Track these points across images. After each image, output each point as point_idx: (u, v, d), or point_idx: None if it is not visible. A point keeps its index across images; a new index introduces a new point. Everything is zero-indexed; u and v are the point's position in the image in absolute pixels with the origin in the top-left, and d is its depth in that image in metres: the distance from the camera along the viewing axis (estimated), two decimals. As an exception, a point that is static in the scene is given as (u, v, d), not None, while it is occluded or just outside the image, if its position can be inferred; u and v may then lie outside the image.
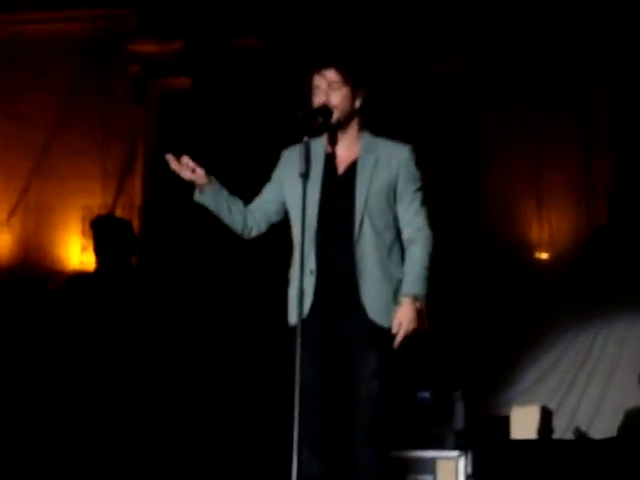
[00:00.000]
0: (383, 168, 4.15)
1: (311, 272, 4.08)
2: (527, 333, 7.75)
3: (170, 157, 4.14)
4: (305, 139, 4.08)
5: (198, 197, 4.19)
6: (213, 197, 4.19)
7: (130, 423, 6.62)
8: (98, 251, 6.83)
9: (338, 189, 4.15)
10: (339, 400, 4.13)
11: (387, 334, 4.04)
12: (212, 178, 4.18)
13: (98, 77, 8.46)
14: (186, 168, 4.13)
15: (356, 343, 4.08)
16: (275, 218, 4.30)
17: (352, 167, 4.17)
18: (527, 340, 7.76)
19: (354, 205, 4.10)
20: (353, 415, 4.08)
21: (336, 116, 4.16)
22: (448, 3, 8.05)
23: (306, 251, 4.04)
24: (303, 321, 3.94)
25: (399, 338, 4.02)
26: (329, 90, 4.15)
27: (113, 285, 6.80)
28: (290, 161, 4.21)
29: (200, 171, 4.14)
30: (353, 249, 4.08)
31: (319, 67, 4.18)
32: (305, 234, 4.03)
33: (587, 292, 7.67)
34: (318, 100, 4.16)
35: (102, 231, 6.83)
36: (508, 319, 7.74)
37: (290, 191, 4.19)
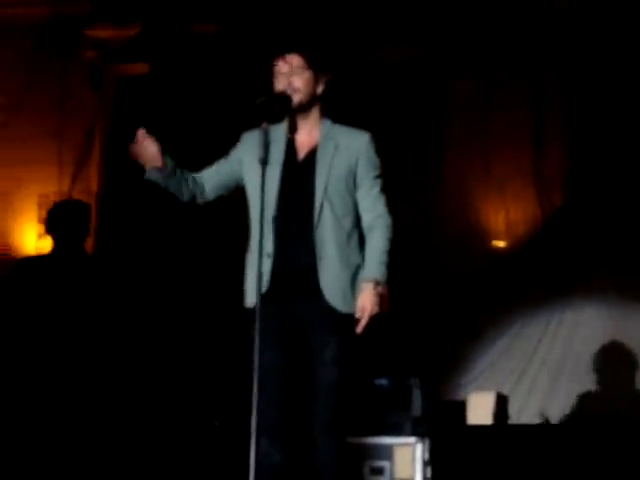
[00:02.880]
0: (343, 155, 4.16)
1: (268, 256, 4.09)
2: (481, 320, 7.80)
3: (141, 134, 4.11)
4: (264, 125, 4.09)
5: (151, 174, 4.18)
6: (167, 177, 4.17)
7: (86, 410, 6.58)
8: (53, 233, 6.75)
9: (298, 175, 4.16)
10: (297, 386, 4.14)
11: (345, 319, 4.06)
12: (166, 157, 4.15)
13: (53, 62, 8.38)
14: (145, 150, 4.09)
15: (314, 329, 4.09)
16: (224, 192, 4.32)
17: (312, 153, 4.18)
18: (481, 327, 7.81)
19: (314, 191, 4.11)
20: (311, 402, 4.09)
21: (298, 99, 4.17)
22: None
23: (265, 235, 4.05)
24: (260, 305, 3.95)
25: (363, 323, 4.03)
26: (292, 74, 4.15)
27: (68, 267, 6.73)
28: (250, 145, 4.21)
29: (157, 154, 4.11)
30: (312, 234, 4.09)
31: (282, 52, 4.19)
32: (264, 219, 4.04)
33: (539, 279, 7.73)
34: (280, 84, 4.17)
35: (58, 217, 6.75)
36: (464, 306, 7.79)
37: (249, 175, 4.19)
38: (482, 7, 7.95)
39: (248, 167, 4.20)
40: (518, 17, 7.93)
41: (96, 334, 6.55)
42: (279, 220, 4.10)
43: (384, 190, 4.22)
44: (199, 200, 4.31)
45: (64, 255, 6.58)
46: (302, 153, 4.20)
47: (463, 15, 7.96)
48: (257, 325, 3.89)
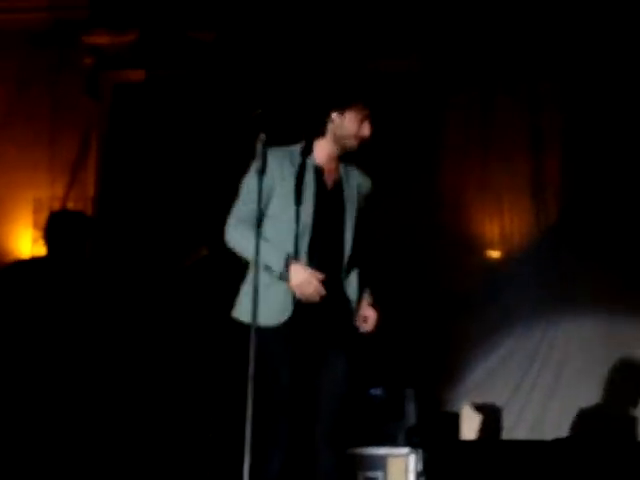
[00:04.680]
0: (359, 193, 4.37)
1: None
2: (476, 331, 7.78)
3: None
4: (261, 136, 4.11)
5: None
6: None
7: (79, 416, 6.56)
8: (50, 242, 6.75)
9: (329, 205, 4.29)
10: (302, 397, 4.15)
11: (351, 334, 4.16)
12: None
13: (49, 68, 8.37)
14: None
15: (329, 345, 4.18)
16: None
17: (338, 185, 4.32)
18: (476, 337, 7.79)
19: (344, 221, 4.28)
20: (314, 412, 4.09)
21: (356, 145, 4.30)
22: (404, 6, 8.07)
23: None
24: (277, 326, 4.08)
25: (369, 327, 4.16)
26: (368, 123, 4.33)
27: (62, 272, 6.72)
28: (278, 171, 4.24)
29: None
30: (342, 263, 4.24)
31: (366, 100, 4.34)
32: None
33: (535, 290, 7.71)
34: (368, 130, 4.31)
35: (57, 227, 6.75)
36: (458, 316, 7.77)
37: (280, 201, 4.22)
38: (480, 20, 7.96)
39: (279, 195, 4.23)
40: (515, 28, 7.94)
41: (91, 339, 6.54)
42: (314, 245, 4.20)
43: None
44: None
45: (59, 259, 6.58)
46: (329, 182, 4.32)
47: (462, 27, 7.97)
48: (251, 339, 3.89)
